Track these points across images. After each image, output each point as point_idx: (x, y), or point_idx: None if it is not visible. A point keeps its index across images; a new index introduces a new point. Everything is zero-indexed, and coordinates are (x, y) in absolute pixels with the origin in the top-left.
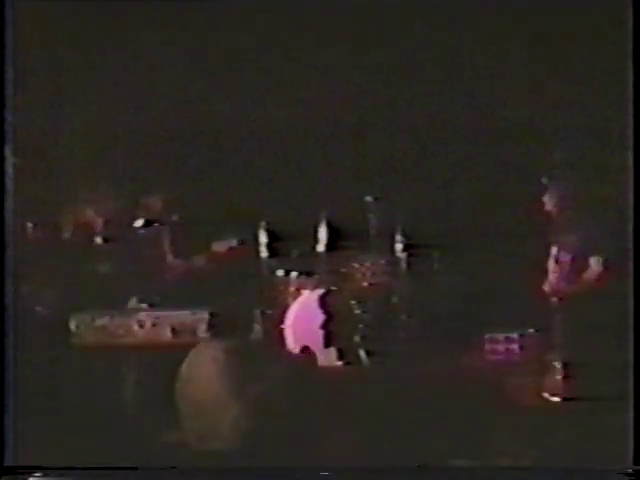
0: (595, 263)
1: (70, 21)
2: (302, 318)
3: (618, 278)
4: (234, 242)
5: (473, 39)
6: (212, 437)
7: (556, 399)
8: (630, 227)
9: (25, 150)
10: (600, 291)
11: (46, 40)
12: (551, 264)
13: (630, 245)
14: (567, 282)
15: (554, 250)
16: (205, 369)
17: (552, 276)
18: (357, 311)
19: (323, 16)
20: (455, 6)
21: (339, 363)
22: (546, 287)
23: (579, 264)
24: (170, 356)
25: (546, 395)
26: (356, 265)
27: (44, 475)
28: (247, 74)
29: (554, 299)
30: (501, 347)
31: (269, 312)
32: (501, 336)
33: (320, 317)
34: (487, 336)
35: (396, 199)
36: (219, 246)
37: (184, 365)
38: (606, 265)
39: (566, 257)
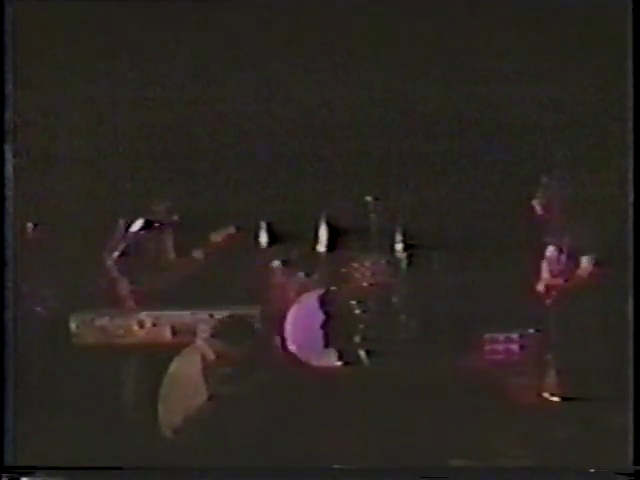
0: (594, 263)
1: (70, 21)
2: (302, 318)
3: (617, 278)
4: (234, 234)
5: (473, 40)
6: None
7: (556, 399)
8: (630, 227)
9: (25, 150)
10: (599, 291)
11: (46, 40)
12: (548, 263)
13: (630, 245)
14: (564, 282)
15: (552, 250)
16: (195, 370)
17: (547, 275)
18: (357, 311)
19: (323, 16)
20: (454, 6)
21: (339, 363)
22: (540, 287)
23: (578, 264)
24: (170, 356)
25: (546, 395)
26: (356, 265)
27: (44, 475)
28: (247, 74)
29: (554, 299)
30: (501, 347)
31: (269, 312)
32: (501, 336)
33: (320, 317)
34: (487, 336)
35: (396, 199)
36: (219, 247)
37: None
38: (605, 265)
39: (565, 257)
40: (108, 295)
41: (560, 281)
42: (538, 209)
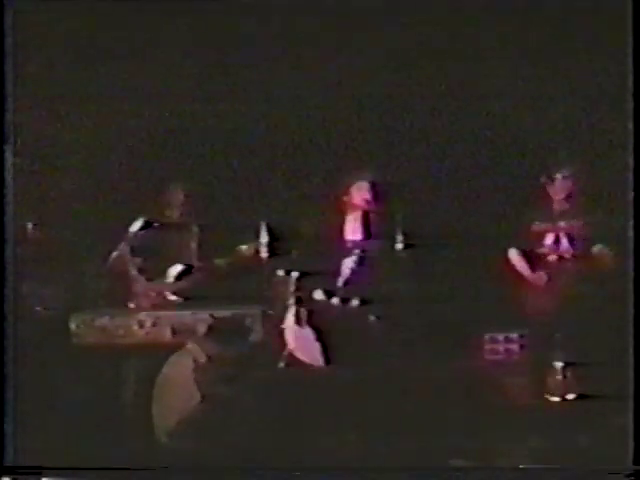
0: (596, 263)
1: (70, 21)
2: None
3: (618, 279)
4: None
5: (473, 41)
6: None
7: (556, 399)
8: (631, 228)
9: (25, 150)
10: (600, 292)
11: (46, 41)
12: (546, 262)
13: (630, 246)
14: (563, 281)
15: (550, 247)
16: (187, 372)
17: (546, 274)
18: (357, 311)
19: (323, 19)
20: (455, 6)
21: (337, 363)
22: (537, 282)
23: (577, 263)
24: (170, 356)
25: (546, 395)
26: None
27: (44, 475)
28: (248, 78)
29: (554, 299)
30: (501, 347)
31: (269, 312)
32: (501, 336)
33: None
34: (487, 336)
35: (396, 199)
36: (221, 247)
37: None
38: (605, 266)
39: (565, 254)
40: (108, 295)
41: (558, 280)
42: (548, 206)
